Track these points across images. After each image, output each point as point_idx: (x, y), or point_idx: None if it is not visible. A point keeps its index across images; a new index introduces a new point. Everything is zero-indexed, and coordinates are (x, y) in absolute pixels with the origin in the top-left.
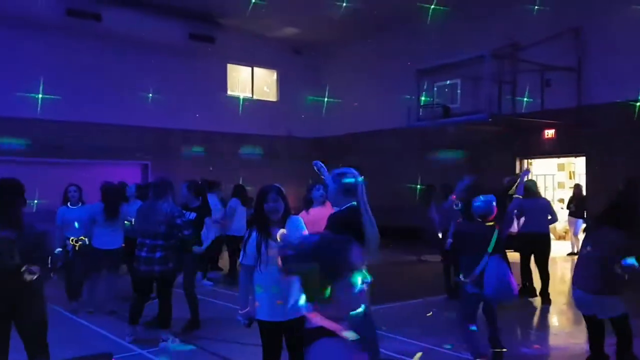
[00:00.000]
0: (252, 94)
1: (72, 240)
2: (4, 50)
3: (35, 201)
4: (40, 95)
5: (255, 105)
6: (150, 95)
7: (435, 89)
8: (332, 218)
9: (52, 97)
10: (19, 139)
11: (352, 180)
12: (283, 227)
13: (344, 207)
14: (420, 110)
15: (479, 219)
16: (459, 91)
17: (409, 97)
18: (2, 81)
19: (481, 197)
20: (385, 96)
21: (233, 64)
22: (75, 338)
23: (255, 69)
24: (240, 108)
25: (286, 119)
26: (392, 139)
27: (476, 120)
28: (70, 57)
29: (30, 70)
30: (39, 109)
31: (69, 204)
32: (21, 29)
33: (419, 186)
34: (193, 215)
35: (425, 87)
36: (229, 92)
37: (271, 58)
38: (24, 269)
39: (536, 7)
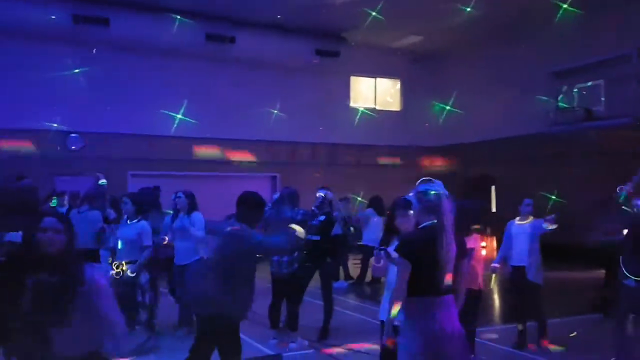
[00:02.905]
0: (375, 105)
1: None
2: (150, 74)
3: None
4: (179, 116)
5: (378, 116)
6: (277, 110)
7: (575, 91)
8: (402, 238)
9: (187, 118)
10: (158, 155)
11: (434, 195)
12: None
13: (419, 227)
14: (558, 114)
15: None
16: (602, 93)
17: (544, 100)
18: (144, 103)
19: None
20: (515, 101)
21: (357, 76)
22: None
23: (378, 79)
24: (364, 119)
25: (410, 128)
26: (523, 145)
27: (622, 124)
28: (207, 80)
29: (170, 92)
30: (180, 128)
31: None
32: (166, 55)
33: (552, 196)
34: (323, 217)
35: (563, 89)
36: (352, 104)
37: (394, 68)
38: None
39: None
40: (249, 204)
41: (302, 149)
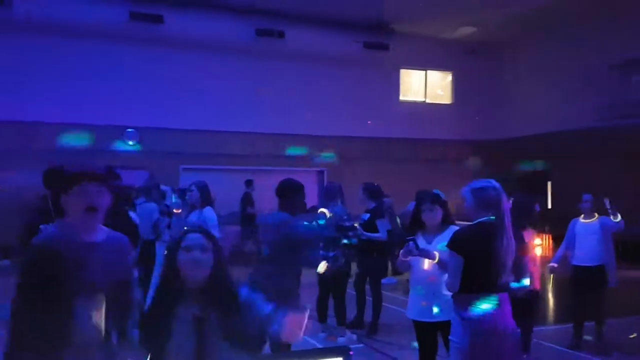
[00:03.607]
0: (425, 98)
1: None
2: (202, 70)
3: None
4: (229, 110)
5: (428, 109)
6: (325, 104)
7: (634, 83)
8: (456, 234)
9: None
10: (208, 149)
11: (492, 191)
12: (439, 234)
13: (473, 222)
14: (618, 107)
15: None
16: None
17: (603, 93)
18: (196, 97)
19: None
20: (573, 94)
21: (406, 68)
22: None
23: (429, 72)
24: (413, 113)
25: (461, 122)
26: (582, 140)
27: None
28: (257, 74)
29: (221, 87)
30: (230, 122)
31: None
32: (217, 51)
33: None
34: (367, 216)
35: (622, 82)
36: (402, 98)
37: (445, 60)
38: None
39: None
40: (285, 192)
41: (350, 143)
